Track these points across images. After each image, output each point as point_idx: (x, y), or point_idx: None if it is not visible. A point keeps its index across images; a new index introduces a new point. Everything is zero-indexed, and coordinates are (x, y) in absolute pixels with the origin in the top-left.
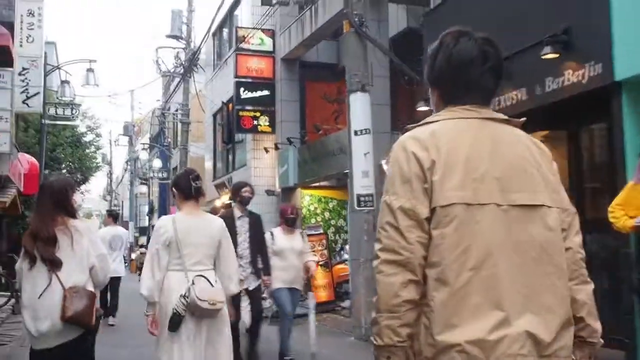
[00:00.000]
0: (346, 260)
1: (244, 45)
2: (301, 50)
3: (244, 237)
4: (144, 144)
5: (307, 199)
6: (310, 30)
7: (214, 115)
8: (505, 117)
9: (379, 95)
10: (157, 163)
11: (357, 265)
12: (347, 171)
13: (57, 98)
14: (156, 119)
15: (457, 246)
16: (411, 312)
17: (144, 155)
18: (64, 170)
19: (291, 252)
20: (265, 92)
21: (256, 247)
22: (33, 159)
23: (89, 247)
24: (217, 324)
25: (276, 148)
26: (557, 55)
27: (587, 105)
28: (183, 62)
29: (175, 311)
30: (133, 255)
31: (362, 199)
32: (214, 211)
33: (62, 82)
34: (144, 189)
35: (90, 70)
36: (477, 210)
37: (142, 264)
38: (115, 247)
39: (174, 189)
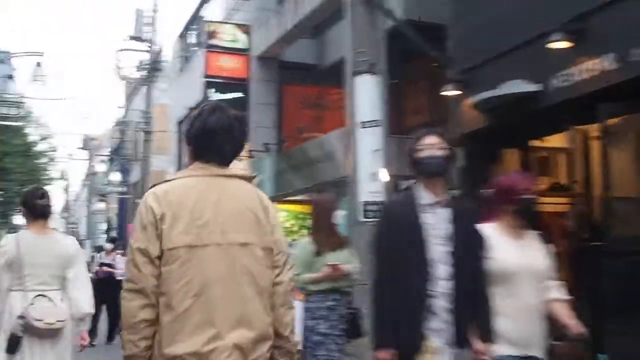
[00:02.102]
0: None
1: (214, 42)
2: (279, 48)
3: (439, 249)
4: (102, 155)
5: (283, 215)
6: (292, 23)
7: (179, 123)
8: (236, 174)
9: None
10: (116, 176)
11: (362, 291)
12: (330, 180)
13: (1, 95)
14: (116, 130)
15: (181, 279)
16: (147, 328)
17: (101, 168)
18: (14, 182)
19: (527, 277)
20: (238, 94)
21: (466, 271)
22: None
23: None
24: (59, 346)
25: (250, 156)
26: None
27: None
28: (145, 66)
29: (12, 332)
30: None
31: (369, 207)
32: None
33: (7, 76)
34: (101, 205)
35: (38, 64)
36: (200, 250)
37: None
38: None
39: (22, 208)
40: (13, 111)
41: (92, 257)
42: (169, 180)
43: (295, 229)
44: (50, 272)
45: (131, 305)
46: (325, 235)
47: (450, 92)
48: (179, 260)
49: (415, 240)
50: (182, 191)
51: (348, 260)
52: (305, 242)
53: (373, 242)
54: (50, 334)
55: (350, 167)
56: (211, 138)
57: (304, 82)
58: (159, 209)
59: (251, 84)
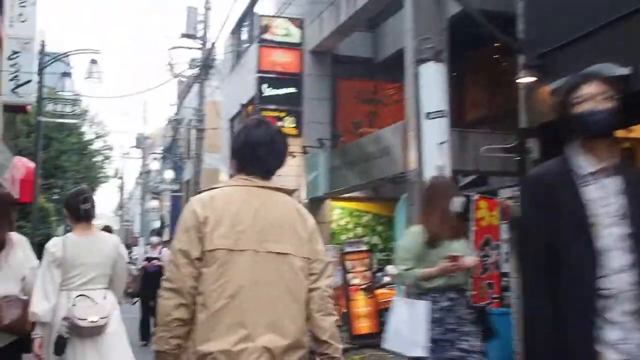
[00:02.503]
0: (387, 284)
1: (267, 36)
2: (333, 41)
3: (613, 231)
4: (155, 153)
5: (337, 213)
6: (346, 16)
7: (231, 121)
8: (277, 187)
9: None
10: (169, 174)
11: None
12: (390, 176)
13: (56, 92)
14: (169, 129)
15: (217, 280)
16: (180, 328)
17: (155, 166)
18: (70, 180)
19: None
20: (291, 89)
21: None
22: (30, 164)
23: (23, 259)
24: (109, 340)
25: (304, 152)
26: None
27: None
28: (198, 63)
29: (58, 334)
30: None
31: None
32: None
33: (63, 74)
34: (155, 203)
35: (93, 62)
36: (237, 254)
37: None
38: None
39: (65, 210)
40: (68, 109)
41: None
42: (214, 188)
43: (350, 226)
44: (96, 272)
45: (167, 303)
46: (439, 223)
47: (524, 79)
48: (217, 262)
49: (579, 223)
50: (227, 198)
51: (466, 252)
52: (414, 231)
53: (518, 231)
54: (93, 332)
55: (409, 162)
56: (254, 151)
57: (358, 76)
58: (202, 213)
59: (304, 78)
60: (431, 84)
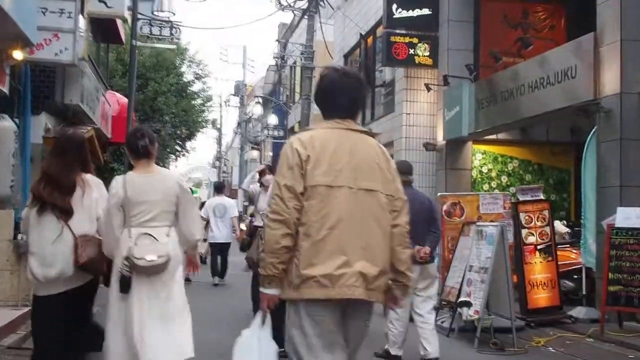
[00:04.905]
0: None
1: None
2: None
3: None
4: (257, 96)
5: (478, 158)
6: None
7: (346, 56)
8: (363, 129)
9: None
10: (272, 119)
11: None
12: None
13: (153, 13)
14: (271, 74)
15: (319, 212)
16: (286, 254)
17: (257, 110)
18: (167, 124)
19: None
20: (426, 11)
21: None
22: (124, 99)
23: (98, 199)
24: (164, 279)
25: (445, 82)
26: None
27: None
28: None
29: (120, 273)
30: (242, 226)
31: None
32: None
33: None
34: (255, 154)
35: None
36: (336, 190)
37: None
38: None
39: (126, 149)
40: (166, 32)
41: (245, 208)
42: (310, 129)
43: (493, 174)
44: (159, 209)
45: (275, 233)
46: None
47: None
48: (318, 197)
49: None
50: (324, 139)
51: None
52: None
53: None
54: (151, 271)
55: (602, 85)
56: (329, 95)
57: None
58: (304, 152)
59: None
60: None
